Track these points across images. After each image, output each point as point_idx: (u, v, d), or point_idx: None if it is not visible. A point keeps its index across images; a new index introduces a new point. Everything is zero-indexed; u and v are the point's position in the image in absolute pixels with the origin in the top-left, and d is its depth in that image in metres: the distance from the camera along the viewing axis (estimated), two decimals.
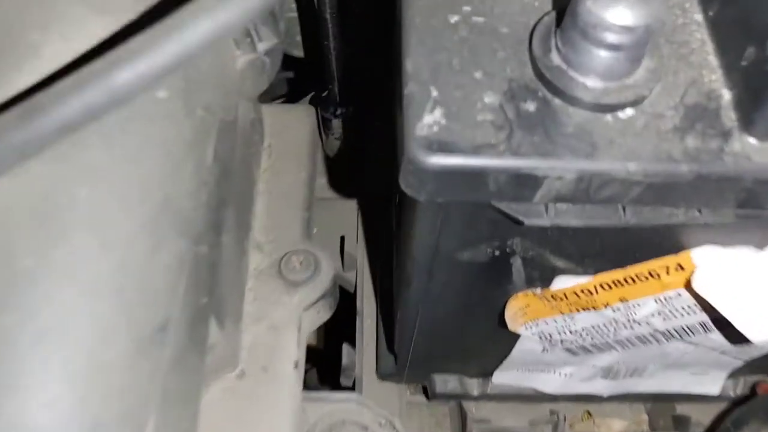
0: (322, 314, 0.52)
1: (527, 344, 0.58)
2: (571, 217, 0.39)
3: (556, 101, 0.37)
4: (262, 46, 0.42)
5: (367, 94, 0.81)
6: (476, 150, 0.35)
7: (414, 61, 0.38)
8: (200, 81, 0.37)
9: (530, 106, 0.37)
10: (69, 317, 0.29)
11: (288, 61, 0.94)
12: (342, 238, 0.78)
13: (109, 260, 0.31)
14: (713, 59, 0.39)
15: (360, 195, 0.80)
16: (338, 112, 0.77)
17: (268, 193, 0.53)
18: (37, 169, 0.31)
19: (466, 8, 0.40)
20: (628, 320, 0.53)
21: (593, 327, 0.55)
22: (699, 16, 0.41)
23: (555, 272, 0.48)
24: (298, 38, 0.86)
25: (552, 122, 0.37)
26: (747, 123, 0.37)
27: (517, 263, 0.47)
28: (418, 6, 0.40)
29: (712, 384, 0.69)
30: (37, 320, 0.28)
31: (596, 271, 0.47)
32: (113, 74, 0.27)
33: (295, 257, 0.50)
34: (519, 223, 0.40)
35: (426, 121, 0.36)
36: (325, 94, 0.80)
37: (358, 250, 0.77)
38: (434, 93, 0.37)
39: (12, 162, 0.27)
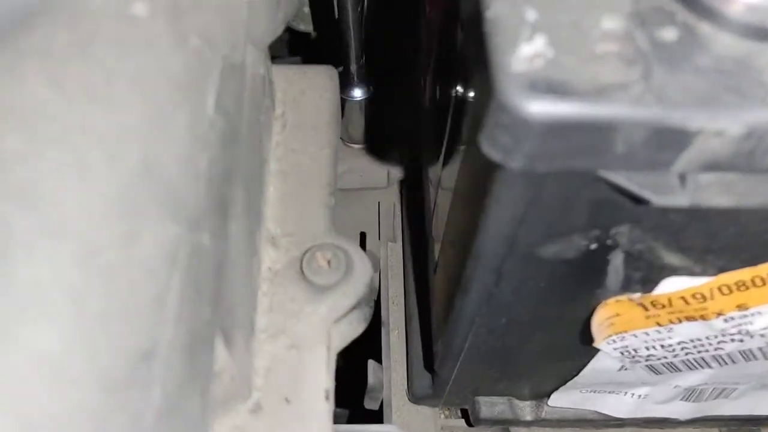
0: (356, 327, 0.40)
1: (604, 362, 0.47)
2: (718, 193, 0.28)
3: (704, 26, 0.26)
4: None
5: (390, 70, 0.70)
6: (603, 92, 0.24)
7: None
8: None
9: (669, 34, 0.26)
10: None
11: (294, 41, 0.83)
12: (362, 235, 0.66)
13: (59, 254, 0.20)
14: None
15: (382, 185, 0.69)
16: (357, 92, 0.66)
17: (283, 174, 0.41)
18: None
19: None
20: (739, 332, 0.42)
21: (693, 341, 0.44)
22: None
23: (663, 272, 0.37)
24: (306, 9, 0.76)
25: (703, 55, 0.26)
26: None
27: (617, 260, 0.36)
28: None
29: None
30: None
31: (718, 270, 0.36)
32: None
33: (321, 254, 0.39)
34: (643, 202, 0.28)
35: (524, 52, 0.25)
36: (339, 70, 0.68)
37: (381, 249, 0.65)
38: (531, 16, 0.26)
39: None
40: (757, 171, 0.27)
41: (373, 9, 0.69)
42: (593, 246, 0.34)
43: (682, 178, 0.28)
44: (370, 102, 0.69)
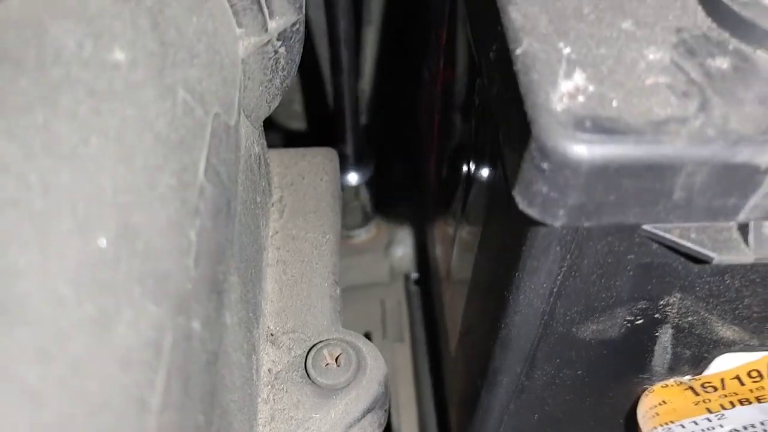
0: None
1: None
2: None
3: (760, 53, 0.23)
4: (274, 25, 0.28)
5: (389, 147, 0.67)
6: (659, 127, 0.21)
7: (523, 10, 0.24)
8: (183, 48, 0.22)
9: (721, 63, 0.23)
10: None
11: (287, 139, 0.80)
12: (366, 336, 0.62)
13: (14, 348, 0.15)
14: None
15: (385, 280, 0.65)
16: (360, 177, 0.63)
17: (282, 263, 0.37)
18: None
19: None
20: None
21: (746, 428, 0.39)
22: None
23: (716, 348, 0.33)
24: (297, 107, 0.73)
25: (764, 83, 0.22)
26: None
27: (665, 337, 0.32)
28: None
29: None
30: None
31: None
32: None
33: (328, 351, 0.34)
34: (702, 261, 0.25)
35: (564, 88, 0.22)
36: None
37: (386, 348, 0.61)
38: (566, 50, 0.23)
39: None
40: None
41: (372, 94, 0.67)
42: (639, 321, 0.30)
43: (744, 230, 0.24)
44: (368, 187, 0.65)
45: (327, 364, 0.34)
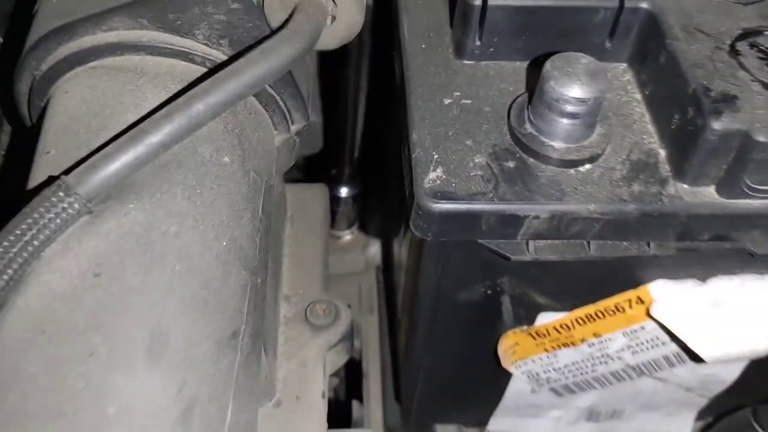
0: (342, 356, 0.60)
1: (518, 385, 0.66)
2: (547, 252, 0.49)
3: (531, 160, 0.48)
4: (294, 128, 0.52)
5: (371, 172, 0.91)
6: (471, 197, 0.45)
7: (418, 134, 0.48)
8: (251, 150, 0.47)
9: (511, 164, 0.47)
10: (170, 322, 0.38)
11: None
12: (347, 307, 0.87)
13: (196, 280, 0.40)
14: (651, 127, 0.50)
15: (362, 270, 0.90)
16: (349, 192, 0.87)
17: (292, 256, 0.62)
18: (138, 213, 0.40)
19: (457, 93, 0.51)
20: (602, 355, 0.61)
21: (573, 363, 0.62)
22: (638, 95, 0.52)
23: (538, 309, 0.57)
24: None
25: (529, 176, 0.47)
26: (678, 172, 0.47)
27: (506, 301, 0.56)
28: (418, 92, 0.51)
29: (684, 425, 0.76)
30: (146, 325, 0.37)
31: (573, 307, 0.56)
32: (192, 106, 0.39)
33: (319, 306, 0.59)
34: (506, 258, 0.49)
35: (430, 176, 0.46)
36: (334, 173, 0.89)
37: (362, 318, 0.86)
38: (435, 156, 0.47)
39: (126, 173, 0.39)
40: (564, 238, 0.48)
41: (362, 136, 0.91)
42: (489, 291, 0.55)
43: (527, 243, 0.49)
44: (354, 199, 0.90)
45: (318, 313, 0.59)
